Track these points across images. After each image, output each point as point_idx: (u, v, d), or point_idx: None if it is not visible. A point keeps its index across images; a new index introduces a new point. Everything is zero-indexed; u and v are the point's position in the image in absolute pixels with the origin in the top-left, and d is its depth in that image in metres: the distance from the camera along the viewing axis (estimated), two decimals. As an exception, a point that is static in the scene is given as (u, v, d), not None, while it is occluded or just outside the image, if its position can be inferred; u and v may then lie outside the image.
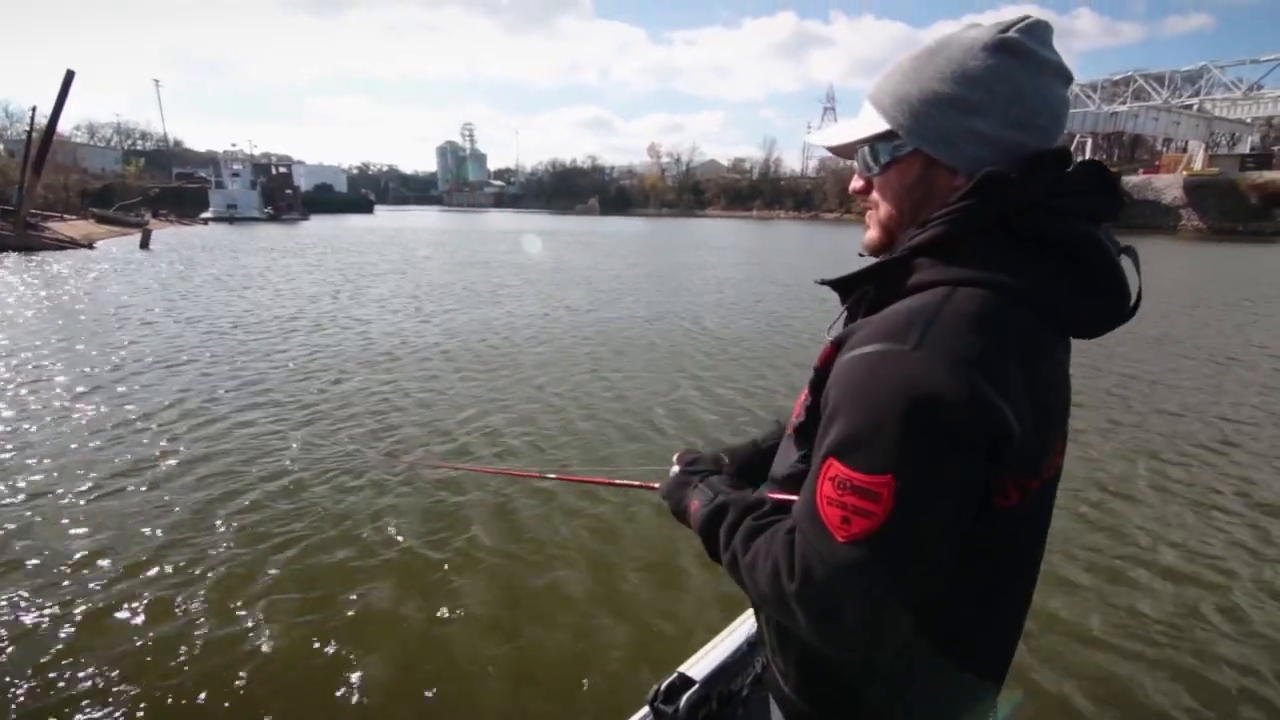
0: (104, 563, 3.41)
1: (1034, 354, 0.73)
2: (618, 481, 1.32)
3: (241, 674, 2.66)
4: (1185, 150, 61.17)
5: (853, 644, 0.72)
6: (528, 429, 5.49)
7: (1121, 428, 5.80)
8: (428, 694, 2.61)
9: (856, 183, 0.90)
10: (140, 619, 3.00)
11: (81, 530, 3.72)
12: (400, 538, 3.66)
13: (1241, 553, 3.71)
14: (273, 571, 3.36)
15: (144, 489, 4.25)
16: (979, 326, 0.70)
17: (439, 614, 3.07)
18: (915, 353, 0.69)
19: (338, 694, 2.60)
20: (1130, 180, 57.26)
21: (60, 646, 2.79)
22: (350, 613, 3.06)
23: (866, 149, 0.85)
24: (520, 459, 4.81)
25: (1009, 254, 0.75)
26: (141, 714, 2.47)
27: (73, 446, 4.94)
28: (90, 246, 24.80)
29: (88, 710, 2.47)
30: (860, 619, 0.70)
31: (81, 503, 4.05)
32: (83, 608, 3.05)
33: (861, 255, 0.91)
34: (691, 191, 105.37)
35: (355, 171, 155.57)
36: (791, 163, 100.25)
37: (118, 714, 2.46)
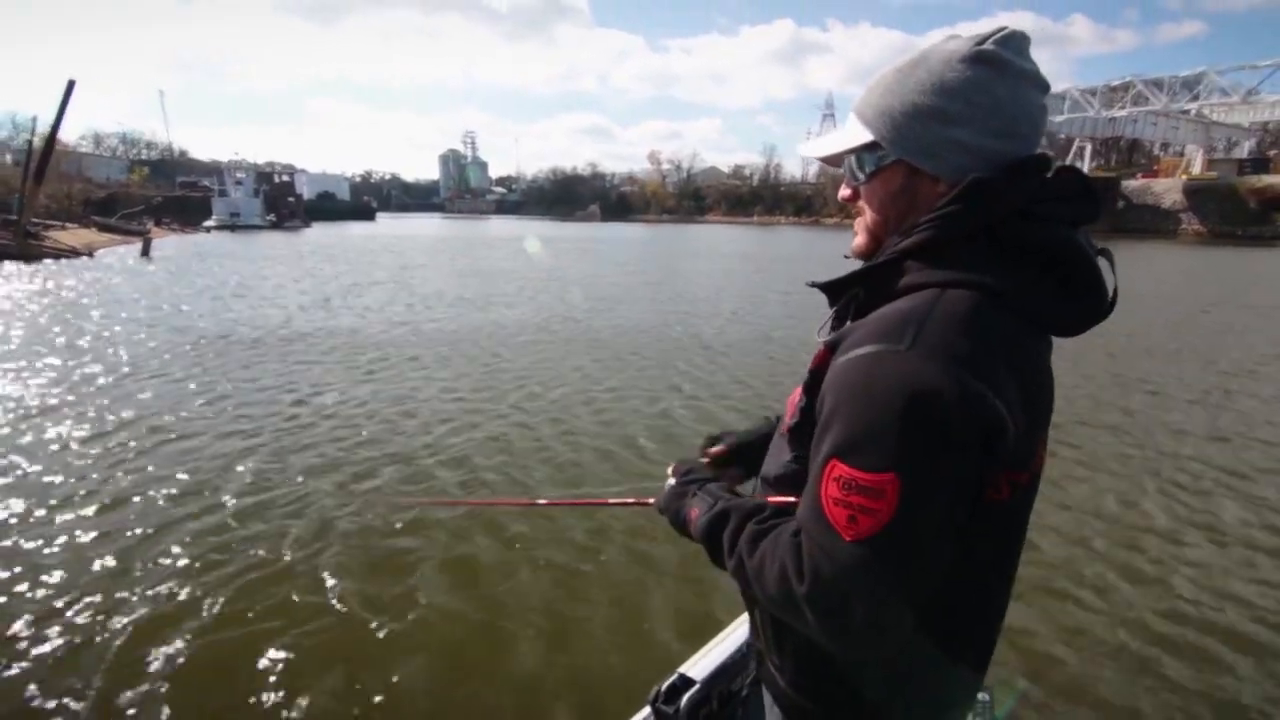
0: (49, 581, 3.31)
1: (1021, 352, 0.76)
2: (611, 501, 1.37)
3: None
4: (1183, 155, 61.23)
5: (862, 642, 0.72)
6: (515, 455, 5.17)
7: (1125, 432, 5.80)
8: (429, 695, 2.63)
9: (844, 191, 0.93)
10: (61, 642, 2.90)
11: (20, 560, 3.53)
12: (388, 566, 3.53)
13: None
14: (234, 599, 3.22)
15: (90, 512, 4.06)
16: (969, 326, 0.72)
17: (438, 621, 3.08)
18: (910, 352, 0.71)
19: (347, 691, 2.64)
20: (1129, 185, 57.35)
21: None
22: (350, 624, 3.05)
23: (853, 159, 0.89)
24: (513, 488, 4.57)
25: (994, 257, 0.77)
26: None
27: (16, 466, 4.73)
28: (90, 255, 24.91)
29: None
30: (869, 616, 0.70)
31: (13, 521, 3.93)
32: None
33: (847, 258, 0.94)
34: (692, 198, 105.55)
35: (358, 179, 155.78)
36: (792, 169, 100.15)
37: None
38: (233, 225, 54.42)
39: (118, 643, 2.92)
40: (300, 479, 4.58)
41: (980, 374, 0.70)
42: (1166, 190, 54.98)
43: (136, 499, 4.24)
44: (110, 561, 3.52)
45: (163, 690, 2.65)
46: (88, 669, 2.75)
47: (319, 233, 51.38)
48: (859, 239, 0.92)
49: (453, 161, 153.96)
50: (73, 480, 4.52)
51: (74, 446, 5.15)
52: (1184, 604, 3.27)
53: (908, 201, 0.85)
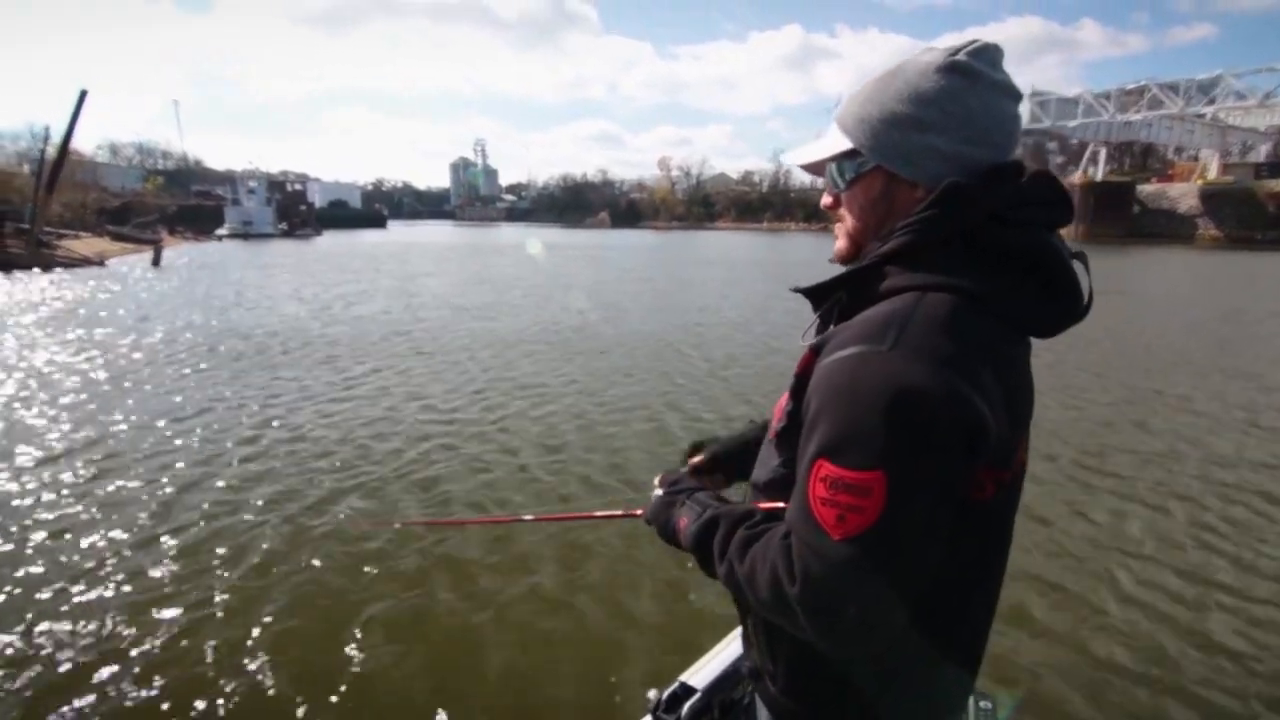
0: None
1: (1000, 353, 0.78)
2: (599, 514, 1.36)
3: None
4: (1197, 159, 60.42)
5: (854, 640, 0.73)
6: (501, 473, 4.98)
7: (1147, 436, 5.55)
8: (426, 708, 2.62)
9: (826, 198, 0.95)
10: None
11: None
12: (379, 586, 3.43)
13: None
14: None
15: (41, 535, 3.89)
16: (950, 327, 0.74)
17: (435, 636, 3.06)
18: (893, 352, 0.72)
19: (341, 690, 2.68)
20: (1144, 189, 56.71)
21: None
22: (344, 643, 3.00)
23: (833, 166, 0.91)
24: (499, 506, 4.42)
25: (971, 261, 0.79)
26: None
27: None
28: (102, 264, 25.06)
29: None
30: (861, 615, 0.71)
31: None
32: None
33: (832, 263, 0.95)
34: (701, 204, 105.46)
35: (370, 187, 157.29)
36: (801, 175, 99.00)
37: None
38: (245, 234, 54.90)
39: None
40: (279, 501, 4.38)
41: (962, 373, 0.71)
42: (1182, 195, 54.30)
43: (89, 528, 4.03)
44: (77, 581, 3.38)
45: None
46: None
47: (330, 241, 51.69)
48: (840, 244, 0.94)
49: (463, 169, 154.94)
50: (43, 497, 4.37)
51: (30, 465, 4.98)
52: (1193, 614, 3.23)
53: (887, 207, 0.87)
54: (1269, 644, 3.00)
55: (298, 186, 77.71)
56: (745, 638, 1.06)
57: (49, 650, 2.91)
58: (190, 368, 8.16)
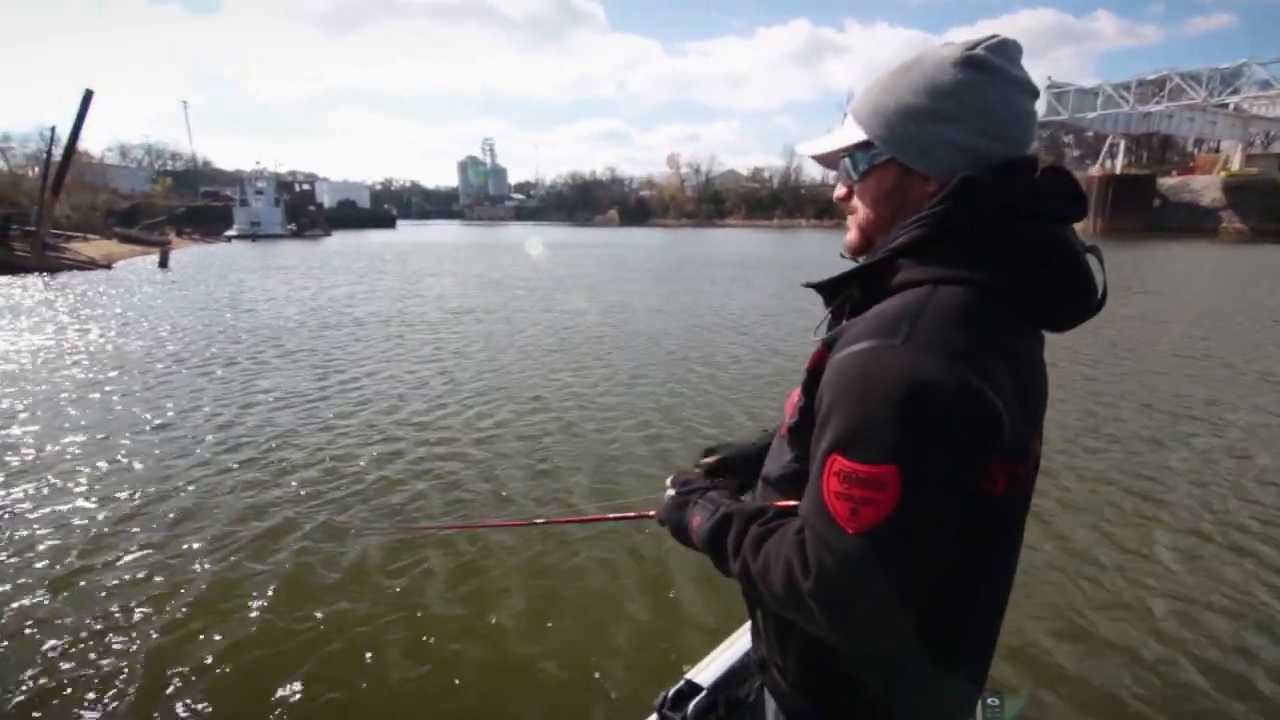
0: None
1: (1013, 346, 0.78)
2: (611, 516, 1.36)
3: None
4: (1218, 151, 59.01)
5: (868, 634, 0.73)
6: (508, 477, 4.92)
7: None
8: (436, 701, 2.68)
9: (839, 190, 0.95)
10: None
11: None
12: (391, 593, 3.41)
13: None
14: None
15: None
16: (962, 321, 0.74)
17: (445, 636, 3.07)
18: (905, 346, 0.72)
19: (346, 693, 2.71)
20: (1166, 182, 55.42)
21: None
22: (354, 644, 3.03)
23: (847, 159, 0.91)
24: (507, 508, 4.41)
25: (984, 254, 0.79)
26: None
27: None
28: (108, 267, 24.88)
29: None
30: (875, 608, 0.71)
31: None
32: None
33: (843, 256, 0.96)
34: (711, 201, 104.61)
35: (378, 187, 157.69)
36: (812, 171, 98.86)
37: None
38: (253, 235, 54.99)
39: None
40: (287, 510, 4.31)
41: (975, 367, 0.71)
42: (1205, 187, 52.96)
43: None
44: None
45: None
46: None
47: (339, 241, 51.59)
48: (851, 235, 0.94)
49: (471, 168, 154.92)
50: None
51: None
52: (1207, 613, 3.20)
53: (899, 200, 0.87)
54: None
55: (306, 187, 77.79)
56: (755, 631, 1.05)
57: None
58: (185, 373, 7.85)
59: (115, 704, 2.64)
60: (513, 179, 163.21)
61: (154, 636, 3.04)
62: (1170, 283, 18.49)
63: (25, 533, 3.96)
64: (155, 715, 2.59)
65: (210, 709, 2.62)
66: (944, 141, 0.81)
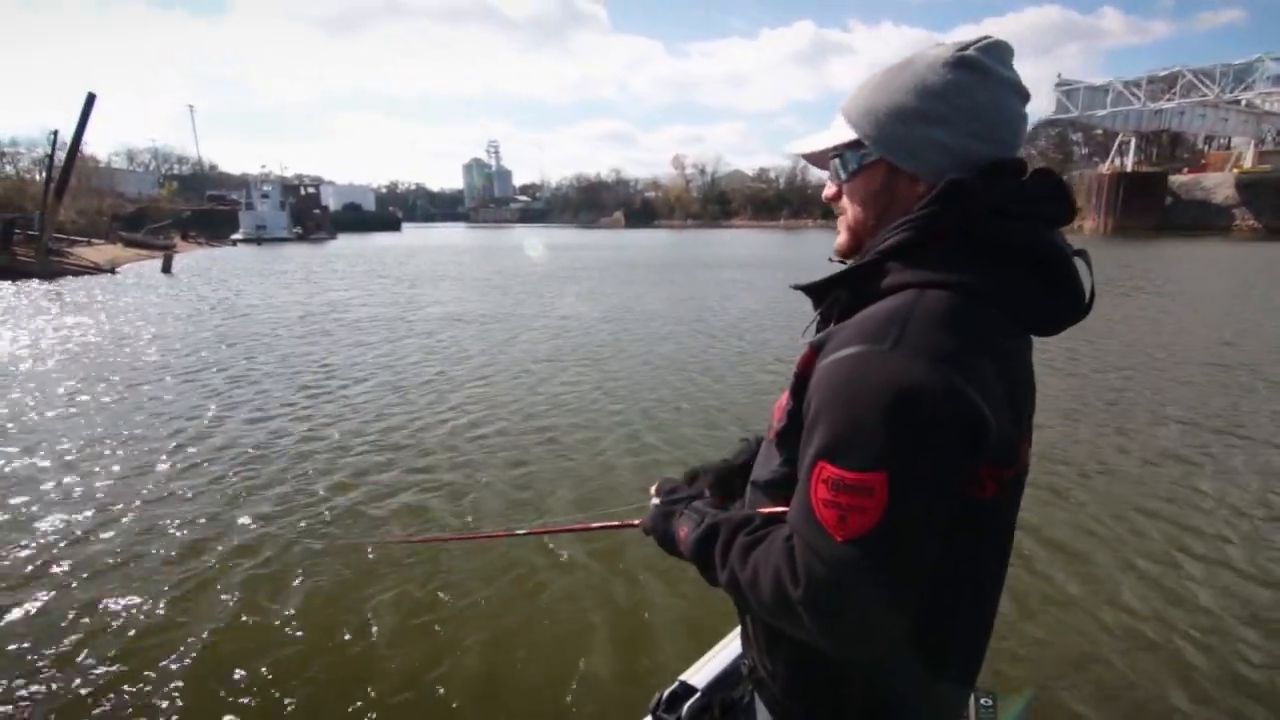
0: None
1: (1001, 350, 0.77)
2: (595, 525, 1.37)
3: None
4: (1229, 147, 58.24)
5: (858, 640, 0.73)
6: (490, 488, 4.75)
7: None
8: (430, 709, 2.66)
9: (829, 189, 0.95)
10: None
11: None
12: (371, 605, 3.33)
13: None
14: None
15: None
16: (950, 325, 0.74)
17: (433, 647, 3.04)
18: (893, 352, 0.72)
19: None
20: (1177, 180, 54.75)
21: None
22: (353, 654, 3.01)
23: (837, 158, 0.91)
24: (490, 519, 4.30)
25: (972, 257, 0.79)
26: None
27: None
28: (112, 271, 24.83)
29: None
30: (865, 615, 0.71)
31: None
32: None
33: (832, 260, 0.96)
34: (717, 202, 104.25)
35: (384, 190, 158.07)
36: (818, 171, 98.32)
37: None
38: (259, 238, 55.15)
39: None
40: (259, 523, 4.17)
41: (962, 371, 0.71)
42: (1218, 185, 52.28)
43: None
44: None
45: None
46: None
47: (343, 244, 51.62)
48: (841, 237, 0.94)
49: (476, 170, 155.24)
50: None
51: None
52: (1209, 617, 3.16)
53: (888, 200, 0.86)
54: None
55: (311, 190, 77.97)
56: (744, 637, 1.05)
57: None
58: (169, 380, 7.64)
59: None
60: (517, 181, 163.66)
61: (120, 647, 3.00)
62: (1186, 283, 18.09)
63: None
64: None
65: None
66: (933, 143, 0.81)
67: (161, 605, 3.30)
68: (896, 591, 0.71)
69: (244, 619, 3.20)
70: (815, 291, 0.91)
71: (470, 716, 2.64)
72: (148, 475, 4.93)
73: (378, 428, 6.04)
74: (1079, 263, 0.82)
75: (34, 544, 3.87)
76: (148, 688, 2.75)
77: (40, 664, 2.87)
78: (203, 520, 4.19)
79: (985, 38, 0.81)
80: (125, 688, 2.75)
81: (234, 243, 51.52)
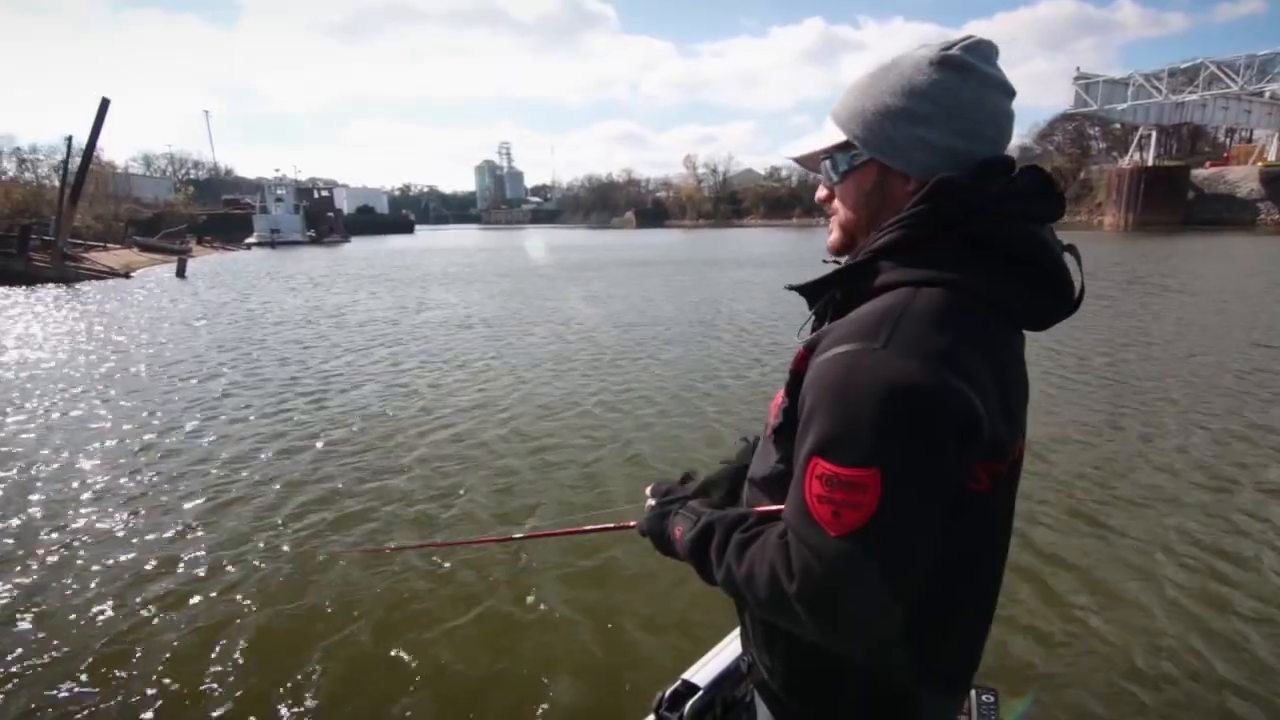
0: None
1: (993, 346, 0.78)
2: (589, 528, 1.37)
3: None
4: (1251, 140, 56.89)
5: (854, 635, 0.74)
6: (475, 491, 4.62)
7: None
8: (434, 709, 2.66)
9: (821, 191, 0.96)
10: None
11: None
12: (370, 612, 3.31)
13: None
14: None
15: None
16: (942, 323, 0.75)
17: (439, 643, 3.06)
18: (886, 350, 0.73)
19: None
20: (1199, 174, 53.51)
21: None
22: (352, 661, 3.00)
23: (828, 160, 0.92)
24: (478, 525, 4.23)
25: (964, 254, 0.80)
26: None
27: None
28: (127, 276, 25.00)
29: None
30: (861, 610, 0.72)
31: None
32: None
33: (825, 261, 0.96)
34: (729, 202, 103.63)
35: (397, 193, 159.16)
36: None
37: None
38: (273, 242, 55.53)
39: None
40: (251, 531, 4.10)
41: (955, 368, 0.72)
42: (1242, 179, 50.95)
43: None
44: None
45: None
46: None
47: (357, 247, 51.95)
48: (833, 236, 0.95)
49: (489, 172, 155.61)
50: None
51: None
52: (1215, 618, 3.14)
53: (880, 200, 0.88)
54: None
55: (325, 193, 78.30)
56: (743, 635, 1.06)
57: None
58: (158, 384, 7.53)
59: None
60: (529, 182, 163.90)
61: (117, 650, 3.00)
62: (1213, 280, 17.53)
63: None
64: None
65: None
66: (921, 142, 0.82)
67: (131, 615, 3.26)
68: (891, 586, 0.71)
69: (229, 627, 3.16)
70: (809, 291, 0.92)
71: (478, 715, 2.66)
72: (140, 477, 4.79)
73: (371, 434, 5.89)
74: (1068, 258, 0.82)
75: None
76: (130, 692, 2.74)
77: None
78: (188, 527, 4.06)
79: (969, 37, 0.82)
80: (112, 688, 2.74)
81: (248, 246, 51.93)
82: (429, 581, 3.52)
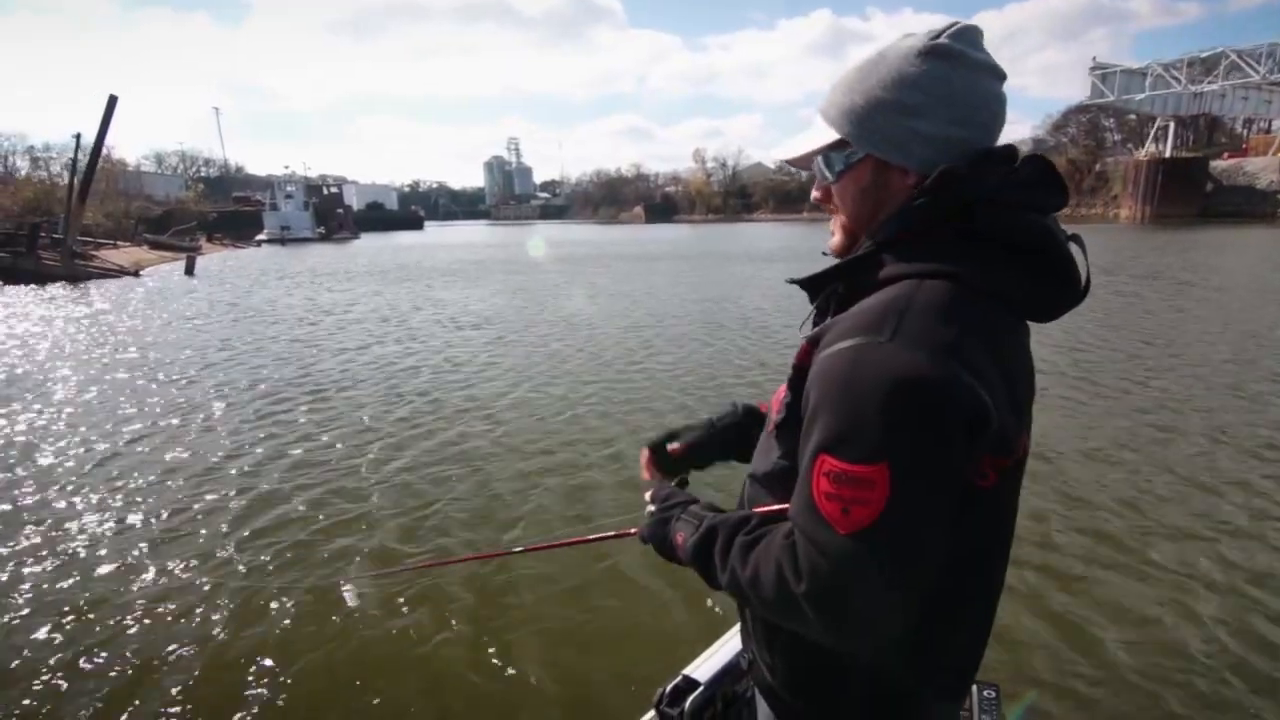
0: None
1: (999, 338, 0.77)
2: (591, 538, 1.35)
3: None
4: (1269, 131, 55.80)
5: (863, 634, 0.73)
6: (477, 506, 4.50)
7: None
8: (437, 705, 2.69)
9: (816, 192, 0.94)
10: None
11: None
12: (370, 632, 3.22)
13: None
14: None
15: None
16: (948, 315, 0.73)
17: (439, 644, 3.07)
18: (891, 343, 0.71)
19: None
20: (1218, 165, 52.54)
21: None
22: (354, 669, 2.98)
23: (821, 159, 0.90)
24: (479, 541, 4.09)
25: (968, 246, 0.78)
26: None
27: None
28: (136, 274, 24.99)
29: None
30: (869, 608, 0.71)
31: None
32: None
33: (825, 254, 0.94)
34: (738, 196, 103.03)
35: (406, 189, 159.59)
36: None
37: None
38: (283, 239, 55.67)
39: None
40: (238, 553, 3.94)
41: (961, 361, 0.70)
42: (1262, 170, 49.94)
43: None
44: None
45: None
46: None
47: (366, 243, 51.85)
48: (835, 238, 0.93)
49: (497, 168, 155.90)
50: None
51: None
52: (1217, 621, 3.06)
53: (879, 195, 0.86)
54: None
55: (334, 190, 78.57)
56: (744, 631, 1.06)
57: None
58: (155, 386, 7.41)
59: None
60: (538, 178, 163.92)
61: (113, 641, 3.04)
62: (1235, 275, 17.10)
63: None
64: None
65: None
66: (916, 134, 0.80)
67: (132, 619, 3.25)
68: (900, 582, 0.70)
69: (235, 650, 3.06)
70: (811, 285, 0.90)
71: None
72: (135, 479, 4.64)
73: (357, 446, 5.71)
74: (1074, 248, 0.81)
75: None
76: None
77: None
78: (174, 548, 3.91)
79: (955, 23, 0.81)
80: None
81: (259, 243, 52.02)
82: (423, 592, 3.46)
